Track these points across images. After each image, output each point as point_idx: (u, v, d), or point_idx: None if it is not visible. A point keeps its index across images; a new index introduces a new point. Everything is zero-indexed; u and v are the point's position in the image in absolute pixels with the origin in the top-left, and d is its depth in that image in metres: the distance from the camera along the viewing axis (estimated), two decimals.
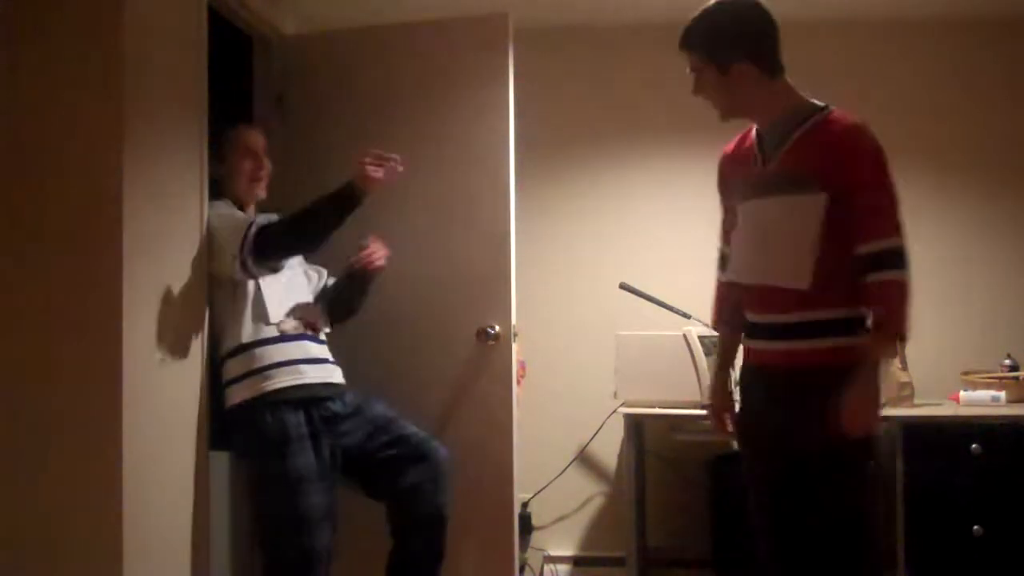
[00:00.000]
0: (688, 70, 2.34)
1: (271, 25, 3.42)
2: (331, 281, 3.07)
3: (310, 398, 2.76)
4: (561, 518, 4.15)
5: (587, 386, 4.01)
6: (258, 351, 2.75)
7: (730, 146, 2.44)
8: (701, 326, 3.69)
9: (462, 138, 3.28)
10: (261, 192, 2.95)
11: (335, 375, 2.88)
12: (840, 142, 2.20)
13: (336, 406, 2.82)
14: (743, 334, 2.41)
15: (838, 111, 2.26)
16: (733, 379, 2.58)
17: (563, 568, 4.12)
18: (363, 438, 2.85)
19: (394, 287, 3.28)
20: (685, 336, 3.53)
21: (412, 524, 2.86)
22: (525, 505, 3.90)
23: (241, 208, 2.91)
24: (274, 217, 2.84)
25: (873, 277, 2.15)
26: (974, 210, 4.07)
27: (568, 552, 4.14)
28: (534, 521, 3.98)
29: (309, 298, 2.96)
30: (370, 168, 2.65)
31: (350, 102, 3.37)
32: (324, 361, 2.87)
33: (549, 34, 4.12)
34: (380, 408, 2.92)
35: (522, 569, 3.68)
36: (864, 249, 2.16)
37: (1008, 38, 4.05)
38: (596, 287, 4.08)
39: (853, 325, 2.21)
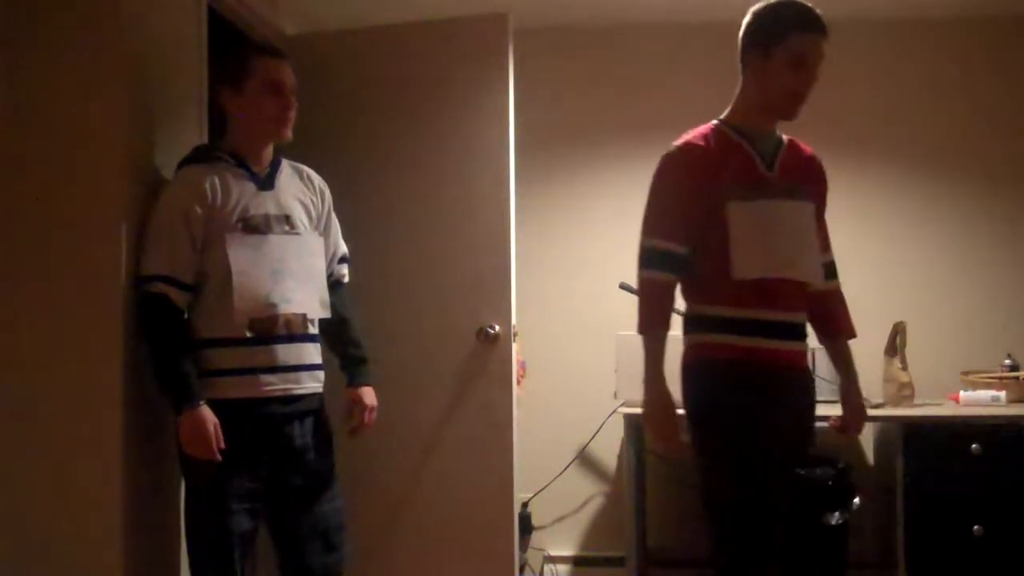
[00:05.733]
0: (821, 57, 2.29)
1: (271, 25, 3.42)
2: (342, 267, 2.74)
3: (262, 414, 2.43)
4: (561, 518, 4.15)
5: (587, 386, 4.01)
6: (212, 352, 2.40)
7: (700, 144, 2.32)
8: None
9: (462, 138, 3.28)
10: (286, 135, 2.50)
11: (305, 382, 2.50)
12: (816, 163, 2.47)
13: (292, 432, 2.47)
14: (756, 334, 2.27)
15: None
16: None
17: (563, 568, 4.12)
18: (292, 500, 2.50)
19: (394, 286, 3.29)
20: None
21: None
22: (525, 505, 3.90)
23: (242, 160, 2.48)
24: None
25: (835, 283, 2.52)
26: (974, 210, 4.07)
27: (568, 552, 4.14)
28: (534, 521, 3.98)
29: (309, 277, 2.53)
30: (197, 447, 2.33)
31: (350, 102, 3.37)
32: (297, 368, 2.47)
33: (549, 34, 4.12)
34: (333, 504, 2.56)
35: (522, 569, 3.68)
36: (827, 256, 2.50)
37: (1010, 37, 4.05)
38: (596, 287, 4.08)
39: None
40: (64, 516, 2.38)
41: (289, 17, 3.56)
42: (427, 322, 3.29)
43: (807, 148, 2.47)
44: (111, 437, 2.35)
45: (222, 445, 2.33)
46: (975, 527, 3.40)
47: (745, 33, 2.33)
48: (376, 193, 3.33)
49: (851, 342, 2.51)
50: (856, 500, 3.54)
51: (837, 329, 2.49)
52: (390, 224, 3.33)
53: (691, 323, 2.37)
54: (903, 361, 3.67)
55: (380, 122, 3.36)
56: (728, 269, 2.26)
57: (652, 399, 2.29)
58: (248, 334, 2.39)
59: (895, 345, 3.70)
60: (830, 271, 2.50)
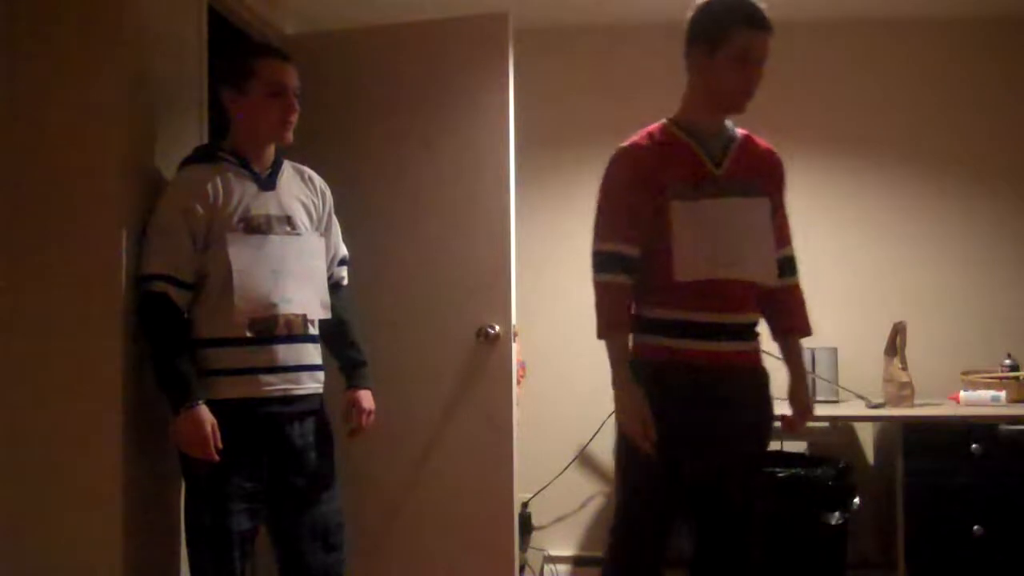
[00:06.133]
0: (765, 53, 2.27)
1: (271, 25, 3.42)
2: (342, 269, 2.75)
3: (262, 414, 2.44)
4: (561, 518, 4.15)
5: (587, 386, 4.00)
6: (212, 352, 2.41)
7: (644, 144, 2.35)
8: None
9: (462, 138, 3.28)
10: (287, 137, 2.50)
11: (305, 382, 2.51)
12: (773, 158, 2.44)
13: (292, 432, 2.48)
14: (687, 336, 2.29)
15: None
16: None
17: (563, 568, 4.12)
18: (294, 503, 2.51)
19: (394, 286, 3.29)
20: None
21: None
22: (525, 505, 3.90)
23: (244, 160, 2.48)
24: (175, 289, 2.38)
25: (793, 280, 2.46)
26: (975, 210, 4.07)
27: (568, 552, 4.14)
28: (534, 521, 3.98)
29: (310, 278, 2.53)
30: (194, 447, 2.32)
31: (350, 102, 3.37)
32: (297, 368, 2.48)
33: (549, 34, 4.11)
34: (328, 507, 2.56)
35: (522, 569, 3.68)
36: (784, 253, 2.44)
37: (1009, 37, 4.05)
38: None
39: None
40: (64, 516, 2.39)
41: (289, 17, 3.56)
42: (427, 322, 3.29)
43: (763, 143, 2.44)
44: (111, 437, 2.35)
45: (219, 445, 2.34)
46: (975, 527, 3.40)
47: (689, 30, 2.30)
48: (376, 193, 3.33)
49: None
50: (856, 500, 3.54)
51: (789, 327, 2.46)
52: (390, 224, 3.33)
53: (635, 324, 2.37)
54: (903, 361, 3.67)
55: (380, 122, 3.35)
56: (671, 271, 2.25)
57: (624, 402, 2.28)
58: (248, 334, 2.39)
59: (895, 345, 3.70)
60: (788, 267, 2.46)
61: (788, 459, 3.70)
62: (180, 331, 2.39)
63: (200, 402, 2.33)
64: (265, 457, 2.45)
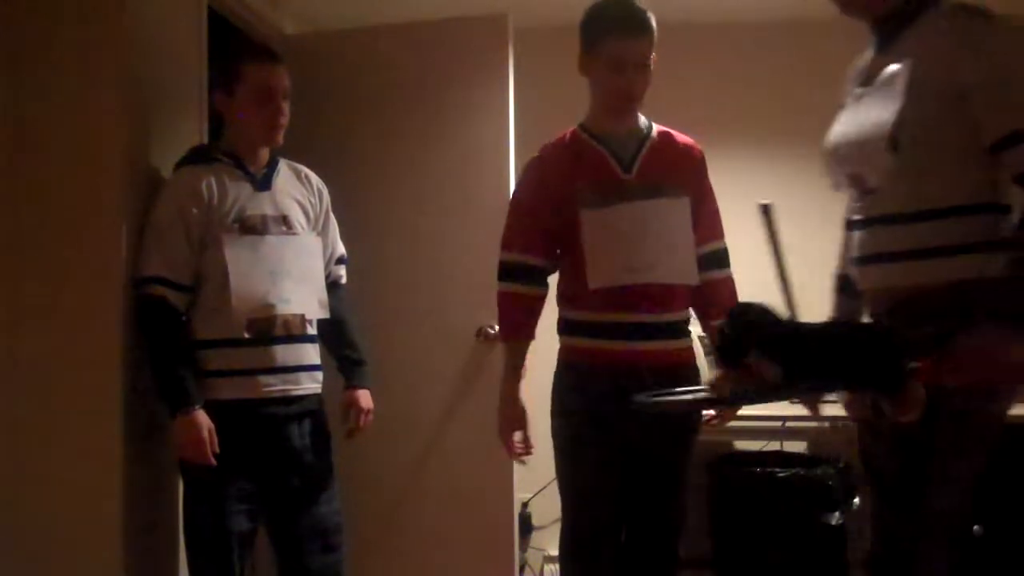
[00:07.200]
0: (649, 57, 2.29)
1: (271, 25, 3.42)
2: (340, 268, 2.74)
3: (261, 414, 2.44)
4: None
5: None
6: (210, 353, 2.41)
7: (553, 152, 2.38)
8: (698, 327, 3.68)
9: (462, 138, 3.29)
10: (277, 140, 2.49)
11: (304, 383, 2.51)
12: (692, 152, 2.42)
13: (291, 433, 2.48)
14: (608, 336, 2.31)
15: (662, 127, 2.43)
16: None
17: None
18: (289, 503, 2.51)
19: (394, 286, 3.29)
20: None
21: None
22: (525, 505, 3.90)
23: (240, 161, 2.48)
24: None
25: (720, 273, 2.43)
26: None
27: None
28: (534, 521, 3.98)
29: (307, 278, 2.53)
30: (191, 451, 2.33)
31: (350, 102, 3.38)
32: (295, 369, 2.48)
33: (549, 34, 4.10)
34: (327, 508, 2.56)
35: (522, 569, 3.68)
36: (711, 247, 2.41)
37: None
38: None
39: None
40: (64, 516, 2.39)
41: (289, 17, 3.56)
42: (427, 322, 3.29)
43: (682, 138, 2.43)
44: (111, 437, 2.36)
45: (216, 449, 2.34)
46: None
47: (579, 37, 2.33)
48: (376, 193, 3.33)
49: None
50: (856, 500, 3.54)
51: (717, 318, 2.43)
52: (390, 224, 3.33)
53: (559, 325, 2.42)
54: None
55: (380, 122, 3.36)
56: (586, 278, 2.28)
57: (500, 408, 2.40)
58: (246, 335, 2.39)
59: None
60: (717, 261, 2.44)
61: (788, 459, 3.71)
62: (178, 334, 2.39)
63: (197, 406, 2.33)
64: (264, 458, 2.45)
